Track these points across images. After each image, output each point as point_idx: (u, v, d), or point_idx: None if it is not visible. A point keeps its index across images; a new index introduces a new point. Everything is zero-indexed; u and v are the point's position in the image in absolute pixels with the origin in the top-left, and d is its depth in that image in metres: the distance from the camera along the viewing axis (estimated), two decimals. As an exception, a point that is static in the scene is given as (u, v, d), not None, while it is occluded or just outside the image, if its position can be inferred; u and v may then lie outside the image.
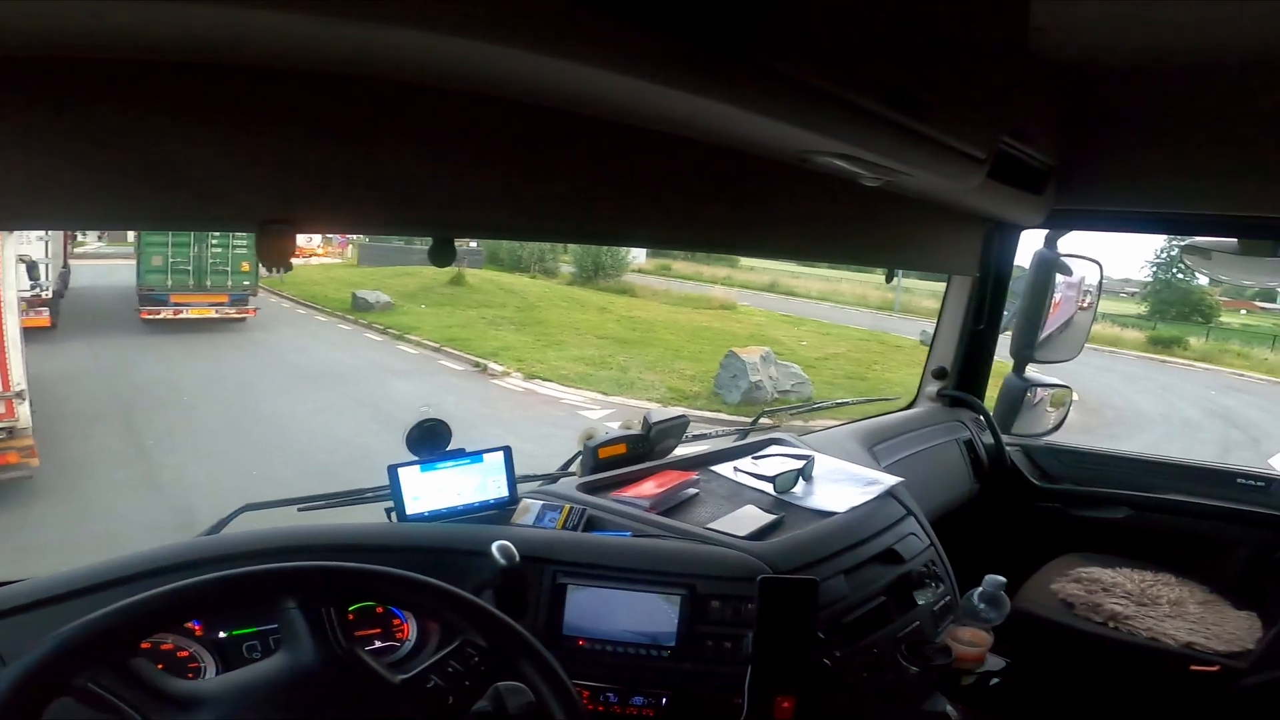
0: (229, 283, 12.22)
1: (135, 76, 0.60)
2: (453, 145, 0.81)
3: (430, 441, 1.23)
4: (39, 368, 7.89)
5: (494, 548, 0.98)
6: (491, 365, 10.98)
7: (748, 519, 1.25)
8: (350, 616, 0.74)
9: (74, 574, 0.89)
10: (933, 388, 2.20)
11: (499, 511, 1.26)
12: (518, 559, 0.97)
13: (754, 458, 1.54)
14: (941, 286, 2.19)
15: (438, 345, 12.01)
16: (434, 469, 1.21)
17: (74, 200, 0.64)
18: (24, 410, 4.76)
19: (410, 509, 1.19)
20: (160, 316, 11.48)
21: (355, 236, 32.25)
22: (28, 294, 9.02)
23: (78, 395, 7.50)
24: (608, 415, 8.13)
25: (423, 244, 1.06)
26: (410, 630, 1.06)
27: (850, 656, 1.11)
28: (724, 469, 1.49)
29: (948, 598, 1.36)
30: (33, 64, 0.56)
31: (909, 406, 2.24)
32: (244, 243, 12.47)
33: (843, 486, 1.41)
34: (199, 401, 7.80)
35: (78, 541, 4.36)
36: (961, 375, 2.17)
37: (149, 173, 0.66)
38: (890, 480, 1.44)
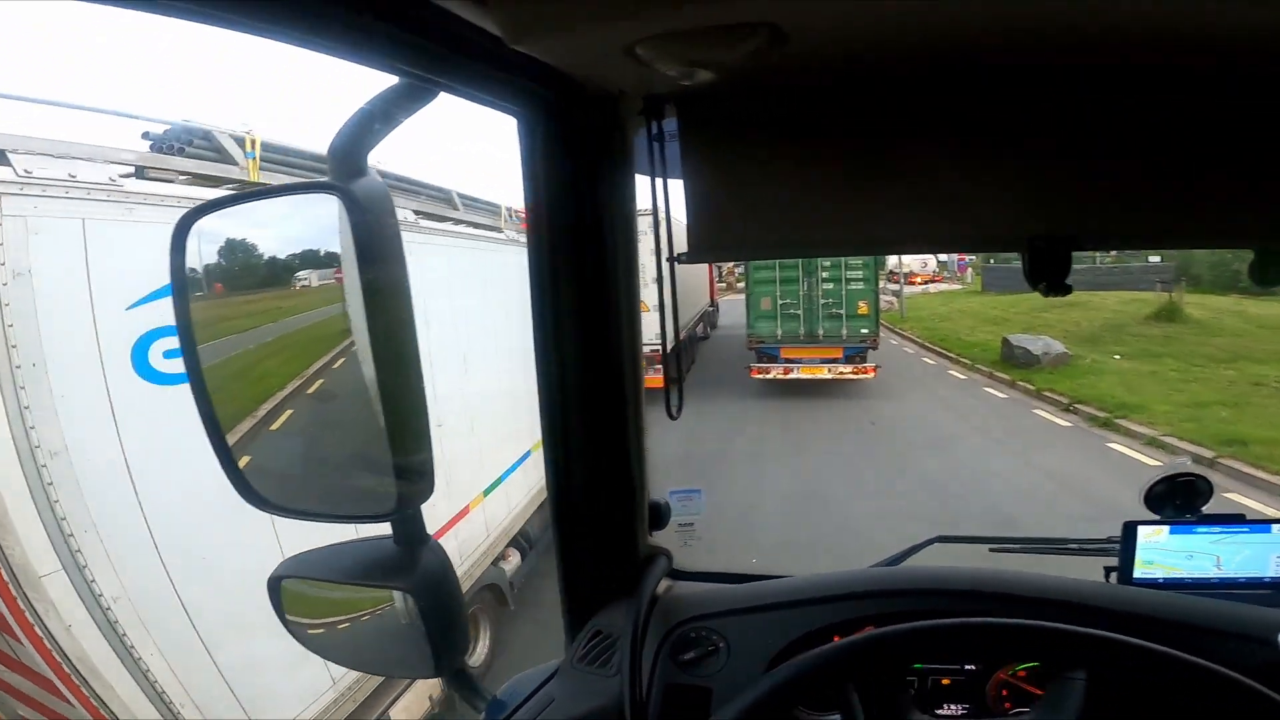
0: (844, 331, 9.62)
1: (884, 100, 0.66)
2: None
3: (1182, 499, 1.08)
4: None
5: None
6: None
7: None
8: (1022, 673, 0.86)
9: (781, 586, 1.00)
10: None
11: (1274, 592, 1.04)
12: None
13: None
14: None
15: (1212, 454, 5.92)
16: (1189, 533, 1.07)
17: (814, 228, 0.72)
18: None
19: (1138, 572, 1.07)
20: (770, 376, 9.71)
21: (973, 258, 26.92)
22: (647, 350, 8.29)
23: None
24: None
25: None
26: None
27: None
28: None
29: None
30: (774, 93, 0.65)
31: None
32: (860, 275, 9.55)
33: None
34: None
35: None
36: None
37: (907, 195, 0.69)
38: None
